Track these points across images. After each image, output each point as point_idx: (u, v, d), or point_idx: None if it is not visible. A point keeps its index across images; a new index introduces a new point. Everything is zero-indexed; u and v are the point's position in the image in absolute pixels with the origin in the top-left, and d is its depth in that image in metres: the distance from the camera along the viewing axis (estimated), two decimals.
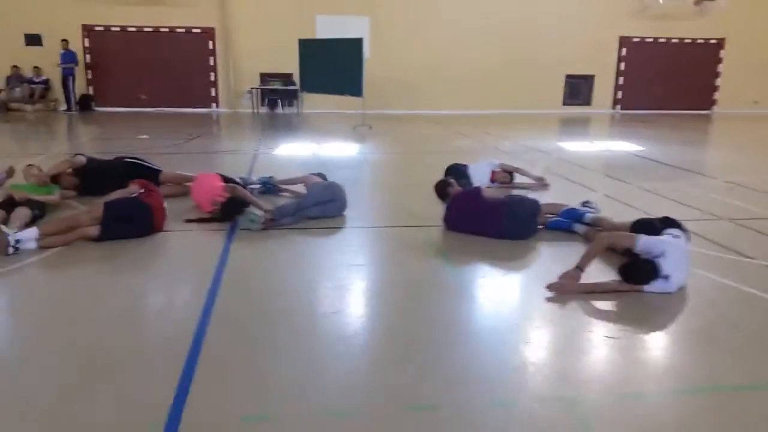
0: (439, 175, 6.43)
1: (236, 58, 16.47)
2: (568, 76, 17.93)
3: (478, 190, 5.31)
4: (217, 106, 16.87)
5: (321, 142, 10.97)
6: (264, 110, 16.50)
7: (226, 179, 6.05)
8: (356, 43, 12.72)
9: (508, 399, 2.68)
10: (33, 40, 15.83)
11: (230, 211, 5.36)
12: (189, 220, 5.38)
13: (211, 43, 16.42)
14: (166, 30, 16.22)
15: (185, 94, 16.64)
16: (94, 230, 4.73)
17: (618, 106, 18.39)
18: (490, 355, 3.09)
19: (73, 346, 3.11)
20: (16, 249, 4.41)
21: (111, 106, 16.31)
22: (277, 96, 16.44)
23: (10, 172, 6.74)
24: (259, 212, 5.26)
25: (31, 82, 15.83)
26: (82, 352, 3.04)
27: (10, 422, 2.45)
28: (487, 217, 5.00)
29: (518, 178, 7.08)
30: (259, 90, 16.45)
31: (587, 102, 18.30)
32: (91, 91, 16.31)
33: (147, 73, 16.40)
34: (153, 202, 5.09)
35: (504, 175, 6.95)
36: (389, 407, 2.59)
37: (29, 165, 6.02)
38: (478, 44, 16.85)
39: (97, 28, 15.99)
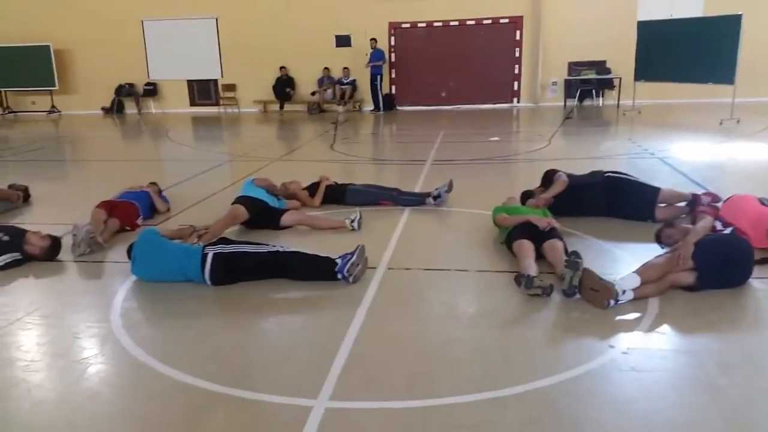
0: None
1: (545, 47, 15.16)
2: None
3: None
4: (518, 101, 15.77)
5: (726, 142, 9.07)
6: (571, 103, 14.98)
7: (762, 201, 4.61)
8: (732, 21, 10.52)
9: None
10: (343, 41, 16.18)
11: None
12: (762, 260, 4.01)
13: (518, 33, 15.34)
14: (472, 23, 15.49)
15: (484, 90, 15.82)
16: (689, 277, 3.59)
17: None
18: None
19: None
20: (617, 302, 3.43)
21: (410, 105, 16.11)
22: (590, 87, 14.81)
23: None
24: None
25: (340, 83, 16.19)
26: None
27: None
28: None
29: None
30: (564, 81, 15.02)
31: None
32: (393, 90, 16.22)
33: (447, 69, 15.85)
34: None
35: None
36: None
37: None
38: None
39: (404, 26, 15.83)
